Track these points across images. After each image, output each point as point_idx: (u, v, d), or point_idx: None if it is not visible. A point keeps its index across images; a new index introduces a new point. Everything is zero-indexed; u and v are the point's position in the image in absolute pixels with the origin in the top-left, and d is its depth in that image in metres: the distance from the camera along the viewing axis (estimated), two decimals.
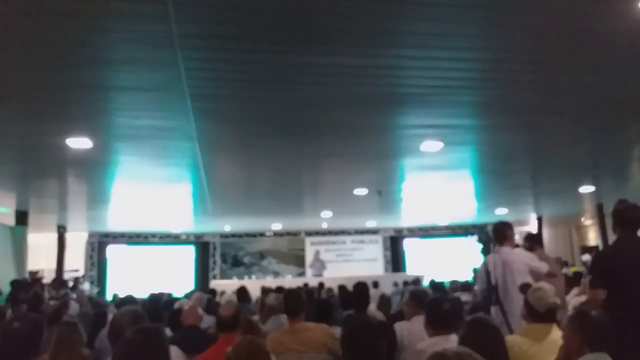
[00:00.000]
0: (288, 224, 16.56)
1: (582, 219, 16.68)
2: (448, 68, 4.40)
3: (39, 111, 5.14)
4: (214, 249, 18.45)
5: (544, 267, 4.43)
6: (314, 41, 3.86)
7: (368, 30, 3.72)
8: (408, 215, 15.63)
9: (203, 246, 18.43)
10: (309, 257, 18.13)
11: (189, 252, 18.42)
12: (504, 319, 4.01)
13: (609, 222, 12.64)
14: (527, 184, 10.65)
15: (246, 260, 18.57)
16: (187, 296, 7.88)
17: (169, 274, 16.94)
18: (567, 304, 5.16)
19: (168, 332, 4.12)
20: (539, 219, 16.18)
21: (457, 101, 5.23)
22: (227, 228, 17.08)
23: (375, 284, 11.14)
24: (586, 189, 10.78)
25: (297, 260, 18.55)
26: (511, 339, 2.80)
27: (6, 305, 7.24)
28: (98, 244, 17.15)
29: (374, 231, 18.83)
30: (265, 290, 8.63)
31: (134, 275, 16.56)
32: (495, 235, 4.61)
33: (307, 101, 5.11)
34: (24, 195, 9.60)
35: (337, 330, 3.52)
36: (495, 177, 9.66)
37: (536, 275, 4.24)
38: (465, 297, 7.59)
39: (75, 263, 15.49)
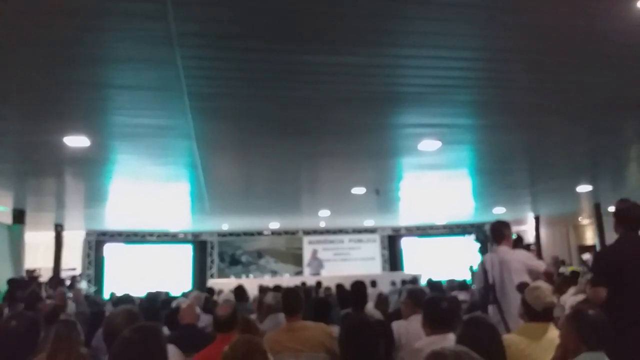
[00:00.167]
0: (286, 222, 16.56)
1: (580, 219, 16.71)
2: (446, 67, 4.40)
3: (37, 110, 5.13)
4: (212, 247, 18.44)
5: (541, 265, 4.45)
6: (312, 40, 3.85)
7: (366, 29, 3.72)
8: (406, 214, 15.65)
9: (201, 245, 18.41)
10: (306, 256, 18.14)
11: (187, 251, 18.40)
12: (501, 318, 4.02)
13: (606, 221, 12.79)
14: (525, 183, 10.66)
15: (244, 259, 18.57)
16: (185, 295, 7.88)
17: (167, 273, 16.94)
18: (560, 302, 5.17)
19: (165, 330, 4.12)
20: (537, 218, 16.22)
21: (456, 100, 5.24)
22: (225, 227, 17.07)
23: (373, 283, 11.16)
24: (584, 188, 10.80)
25: (295, 259, 18.55)
26: (508, 338, 2.81)
27: (3, 303, 7.24)
28: (95, 243, 17.12)
29: (371, 230, 18.84)
30: (262, 289, 8.63)
31: (132, 274, 16.53)
32: (492, 235, 4.62)
33: (305, 100, 5.10)
34: (21, 193, 9.58)
35: (334, 329, 3.52)
36: (493, 176, 9.68)
37: (533, 274, 4.25)
38: (462, 296, 7.62)
39: (73, 261, 15.46)
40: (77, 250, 16.43)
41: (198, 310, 4.76)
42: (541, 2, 3.45)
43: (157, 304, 6.46)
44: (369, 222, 17.40)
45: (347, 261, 18.37)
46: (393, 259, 19.03)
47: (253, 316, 4.86)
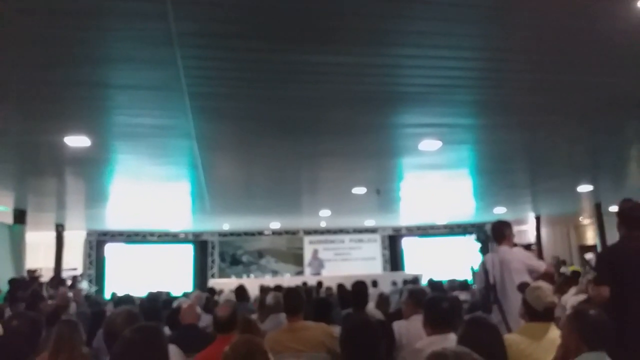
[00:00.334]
0: (286, 222, 16.56)
1: (581, 218, 16.70)
2: (447, 67, 4.40)
3: (37, 110, 5.12)
4: (213, 247, 18.44)
5: (541, 265, 4.44)
6: (312, 40, 3.85)
7: (366, 29, 3.71)
8: (406, 214, 15.64)
9: (201, 245, 18.42)
10: (307, 256, 18.14)
11: (188, 251, 18.41)
12: (502, 318, 4.02)
13: (607, 221, 12.79)
14: (526, 183, 10.66)
15: (245, 259, 18.57)
16: (187, 295, 7.88)
17: (168, 273, 16.95)
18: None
19: (166, 330, 4.12)
20: (538, 218, 16.21)
21: (456, 100, 5.23)
22: (226, 227, 17.08)
23: (375, 283, 11.15)
24: (584, 188, 10.79)
25: (296, 259, 18.55)
26: (509, 338, 2.81)
27: (4, 303, 7.25)
28: (96, 243, 17.13)
29: (372, 230, 18.84)
30: (263, 289, 8.63)
31: (133, 274, 16.54)
32: (493, 235, 4.62)
33: (305, 100, 5.10)
34: (22, 193, 9.59)
35: (335, 329, 3.52)
36: (494, 176, 9.67)
37: (534, 274, 4.25)
38: (463, 296, 7.62)
39: (74, 261, 15.46)
40: (78, 250, 16.44)
41: (199, 310, 4.76)
42: (541, 2, 3.44)
43: (158, 304, 6.46)
44: (369, 222, 17.40)
45: (348, 261, 18.37)
46: (394, 259, 19.02)
47: (254, 316, 4.87)
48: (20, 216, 10.80)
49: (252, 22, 3.56)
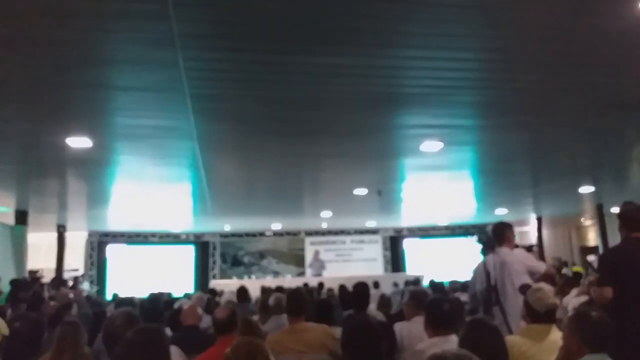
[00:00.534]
0: (288, 223, 16.56)
1: (582, 220, 16.68)
2: (448, 68, 4.40)
3: (39, 111, 5.14)
4: (214, 248, 18.44)
5: (541, 266, 4.44)
6: (314, 41, 3.86)
7: (368, 30, 3.72)
8: (408, 215, 15.63)
9: (203, 246, 18.42)
10: (308, 257, 18.14)
11: (189, 252, 18.41)
12: (503, 320, 4.01)
13: (608, 222, 12.77)
14: (527, 184, 10.65)
15: (246, 260, 18.57)
16: (188, 296, 7.88)
17: (169, 274, 16.94)
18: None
19: (168, 332, 4.12)
20: (539, 219, 16.19)
21: (457, 101, 5.23)
22: (227, 228, 17.08)
23: (376, 284, 11.14)
24: (586, 189, 10.78)
25: (297, 260, 18.55)
26: (511, 340, 2.80)
27: (6, 304, 7.25)
28: (98, 244, 17.14)
29: (373, 231, 18.82)
30: (265, 290, 8.63)
31: (134, 275, 16.55)
32: (494, 236, 4.61)
33: (307, 101, 5.11)
34: (23, 194, 9.60)
35: (337, 331, 3.52)
36: (495, 177, 9.66)
37: (534, 275, 4.24)
38: (465, 297, 7.59)
39: (75, 262, 15.47)
40: (79, 251, 16.44)
41: (200, 311, 4.76)
42: (543, 3, 3.45)
43: (160, 305, 6.47)
44: (371, 223, 17.39)
45: (349, 262, 18.36)
46: (395, 260, 19.01)
47: (255, 317, 4.87)
48: (21, 217, 10.82)
49: (254, 23, 3.57)
